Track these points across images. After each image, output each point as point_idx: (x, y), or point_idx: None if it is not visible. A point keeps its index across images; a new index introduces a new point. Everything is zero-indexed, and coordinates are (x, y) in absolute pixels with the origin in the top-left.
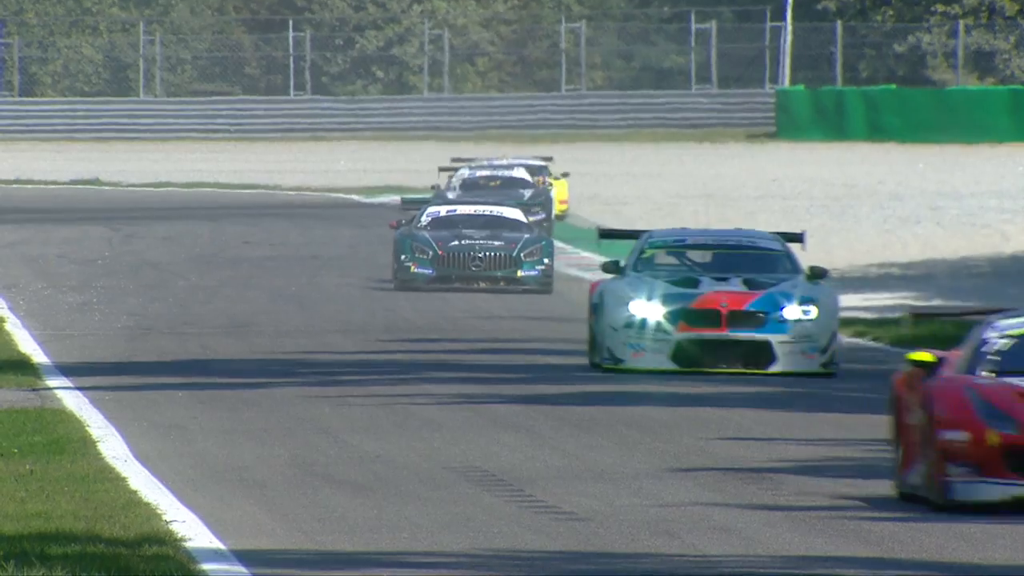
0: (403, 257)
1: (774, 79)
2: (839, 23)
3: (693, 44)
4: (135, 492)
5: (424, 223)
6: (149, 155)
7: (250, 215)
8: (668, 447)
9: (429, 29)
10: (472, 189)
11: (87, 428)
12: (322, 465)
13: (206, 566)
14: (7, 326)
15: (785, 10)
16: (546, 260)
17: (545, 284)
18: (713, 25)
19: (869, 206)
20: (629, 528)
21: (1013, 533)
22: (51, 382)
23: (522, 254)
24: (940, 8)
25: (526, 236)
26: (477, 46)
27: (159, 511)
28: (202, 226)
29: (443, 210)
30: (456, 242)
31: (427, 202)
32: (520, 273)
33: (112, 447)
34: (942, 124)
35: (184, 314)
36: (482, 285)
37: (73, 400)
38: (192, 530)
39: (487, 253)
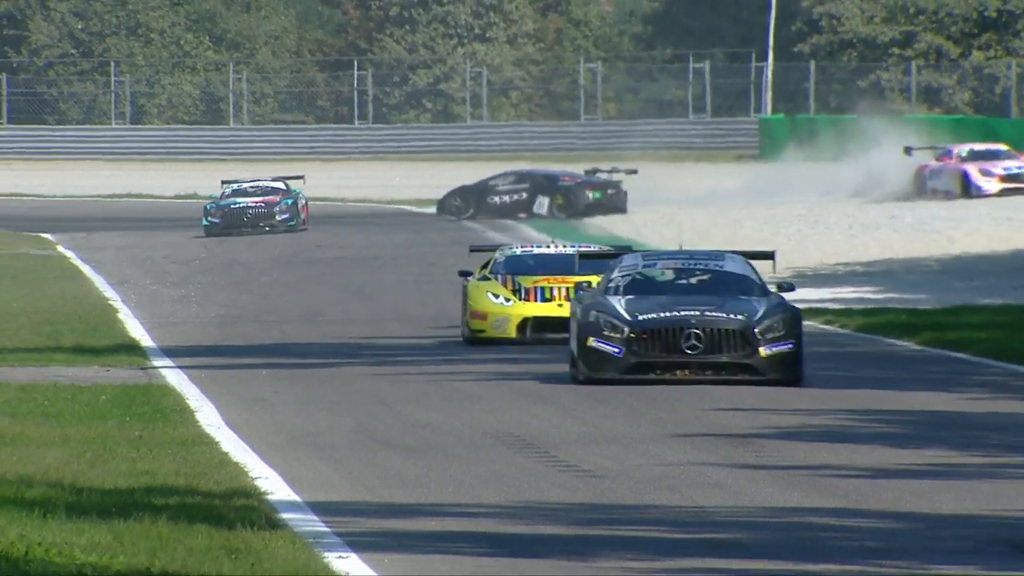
0: None
1: (758, 109)
2: (812, 63)
3: (690, 80)
4: (226, 454)
5: None
6: (238, 173)
7: (321, 223)
8: (670, 416)
9: (470, 68)
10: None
11: (186, 400)
12: (381, 431)
13: (285, 515)
14: (120, 315)
15: (767, 52)
16: None
17: None
18: (707, 65)
19: (837, 215)
20: (637, 484)
21: (957, 488)
22: (156, 362)
23: None
24: (896, 51)
25: None
26: (511, 82)
27: (246, 469)
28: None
29: None
30: None
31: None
32: None
33: (207, 416)
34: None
35: (266, 305)
36: None
37: (174, 377)
38: (273, 485)
39: None
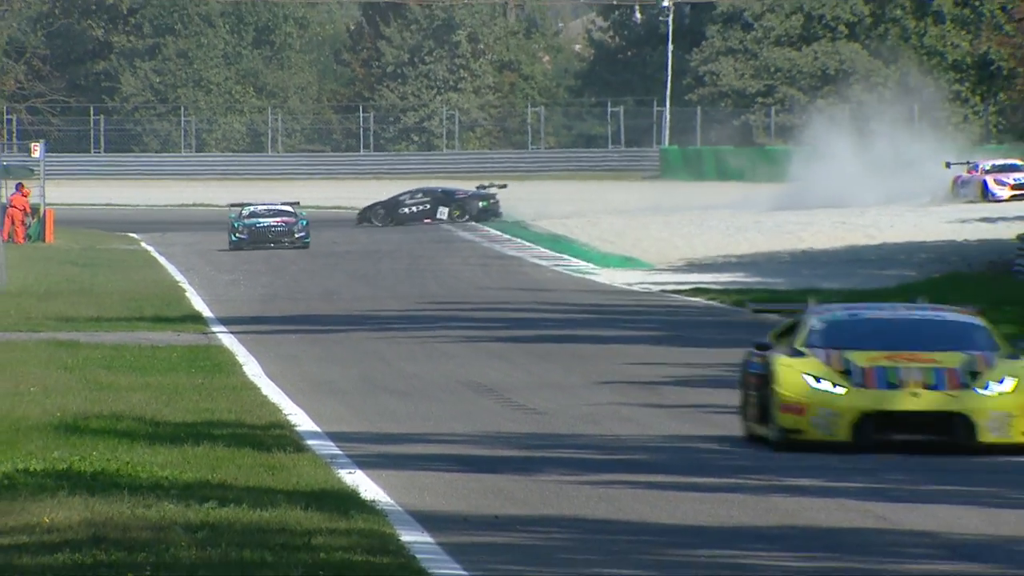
0: None
1: (659, 142)
2: (699, 108)
3: (609, 120)
4: (266, 396)
5: None
6: (274, 189)
7: (336, 226)
8: (594, 368)
9: (446, 111)
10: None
11: (236, 357)
12: (380, 380)
13: (309, 441)
14: (187, 294)
15: (666, 99)
16: None
17: None
18: (621, 109)
19: (717, 220)
20: (570, 419)
21: None
22: (214, 328)
23: None
24: (760, 99)
25: None
26: (476, 121)
27: (280, 408)
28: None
29: None
30: None
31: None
32: None
33: (251, 369)
34: (762, 169)
35: (296, 287)
36: None
37: (227, 339)
38: (300, 420)
39: None
